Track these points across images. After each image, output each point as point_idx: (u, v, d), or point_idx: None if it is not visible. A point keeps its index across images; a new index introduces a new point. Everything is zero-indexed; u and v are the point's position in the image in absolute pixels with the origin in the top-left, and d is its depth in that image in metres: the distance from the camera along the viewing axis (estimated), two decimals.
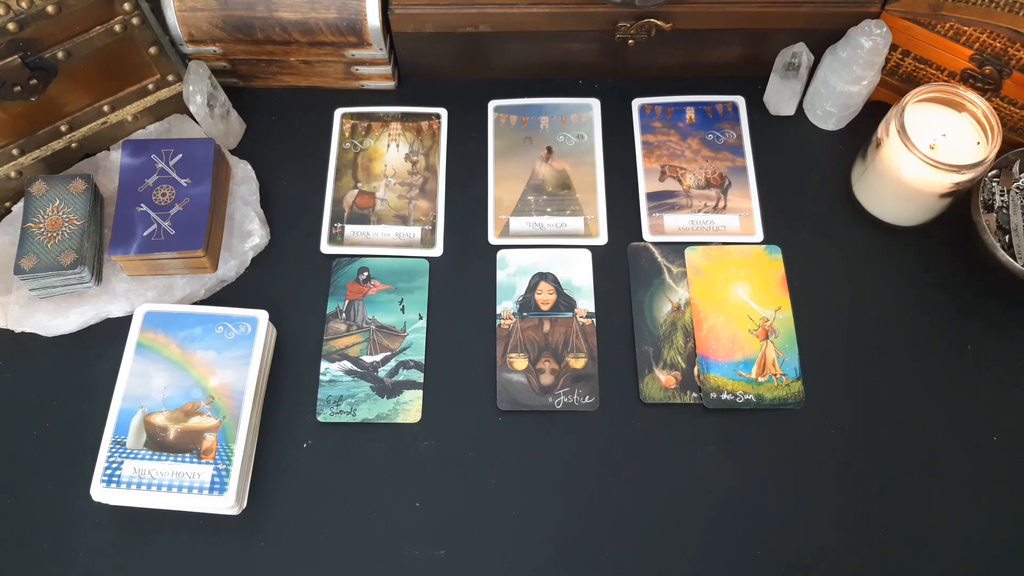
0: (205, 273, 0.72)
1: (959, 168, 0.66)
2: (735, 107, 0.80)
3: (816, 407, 0.68)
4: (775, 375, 0.68)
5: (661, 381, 0.69)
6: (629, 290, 0.73)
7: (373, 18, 0.73)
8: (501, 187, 0.77)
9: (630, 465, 0.66)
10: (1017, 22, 0.67)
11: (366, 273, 0.73)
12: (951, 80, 0.74)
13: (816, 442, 0.67)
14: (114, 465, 0.62)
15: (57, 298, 0.70)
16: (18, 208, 0.73)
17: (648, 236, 0.75)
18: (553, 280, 0.73)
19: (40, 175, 0.72)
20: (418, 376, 0.69)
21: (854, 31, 0.72)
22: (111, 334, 0.70)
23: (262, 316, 0.67)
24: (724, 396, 0.68)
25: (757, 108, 0.81)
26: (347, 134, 0.80)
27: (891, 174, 0.69)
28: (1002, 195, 0.71)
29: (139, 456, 0.62)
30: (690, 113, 0.80)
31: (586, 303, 0.72)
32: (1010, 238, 0.69)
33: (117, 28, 0.68)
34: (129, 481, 0.61)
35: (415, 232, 0.75)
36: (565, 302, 0.72)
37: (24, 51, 0.65)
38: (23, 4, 0.62)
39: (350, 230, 0.75)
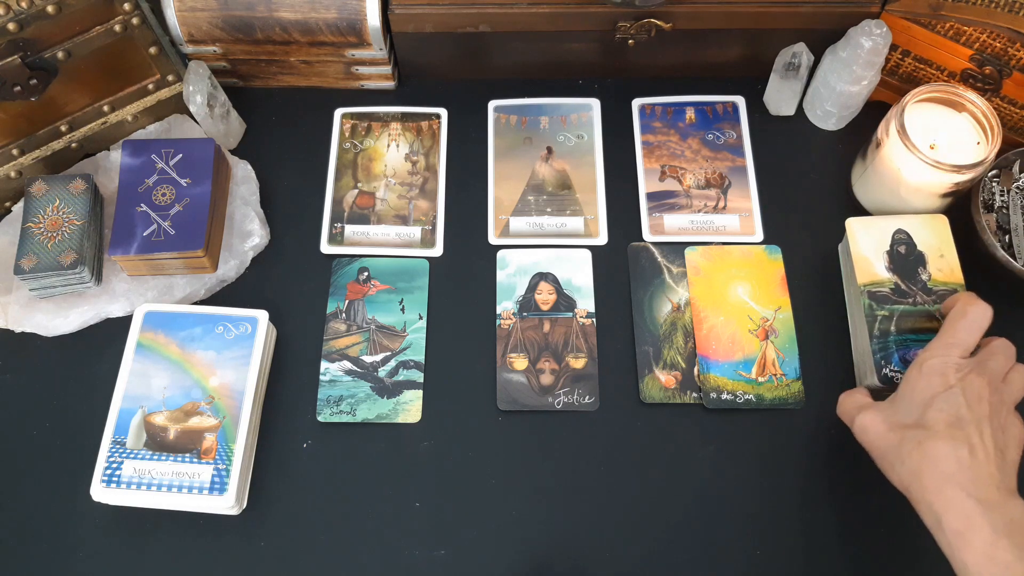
0: (205, 273, 0.72)
1: (959, 168, 0.66)
2: (735, 107, 0.80)
3: (816, 407, 0.68)
4: (775, 375, 0.69)
5: (661, 381, 0.69)
6: (629, 290, 0.73)
7: (373, 18, 0.73)
8: (501, 187, 0.77)
9: (630, 465, 0.66)
10: (1017, 22, 0.67)
11: (366, 273, 0.73)
12: (951, 80, 0.74)
13: (816, 442, 0.67)
14: (114, 465, 0.62)
15: (57, 298, 0.70)
16: (18, 208, 0.73)
17: (648, 236, 0.75)
18: (553, 280, 0.73)
19: (40, 175, 0.72)
20: (418, 376, 0.69)
21: (854, 31, 0.72)
22: (111, 334, 0.70)
23: (262, 316, 0.67)
24: (724, 396, 0.68)
25: (757, 108, 0.81)
26: (347, 134, 0.80)
27: (891, 174, 0.69)
28: (1002, 195, 0.71)
29: (139, 456, 0.62)
30: (690, 113, 0.80)
31: (586, 303, 0.72)
32: (1010, 238, 0.69)
33: (117, 28, 0.68)
34: (129, 481, 0.61)
35: (415, 232, 0.75)
36: (565, 302, 0.72)
37: (24, 51, 0.65)
38: (23, 4, 0.62)
39: (350, 230, 0.75)
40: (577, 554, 0.63)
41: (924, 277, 0.65)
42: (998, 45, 0.69)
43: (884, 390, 0.63)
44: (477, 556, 0.63)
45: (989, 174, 0.71)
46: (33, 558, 0.63)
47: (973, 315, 0.58)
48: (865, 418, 0.58)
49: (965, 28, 0.69)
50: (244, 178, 0.76)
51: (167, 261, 0.69)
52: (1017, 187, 0.71)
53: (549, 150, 0.79)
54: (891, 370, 0.63)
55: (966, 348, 0.57)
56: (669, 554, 0.63)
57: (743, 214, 0.75)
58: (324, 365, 0.69)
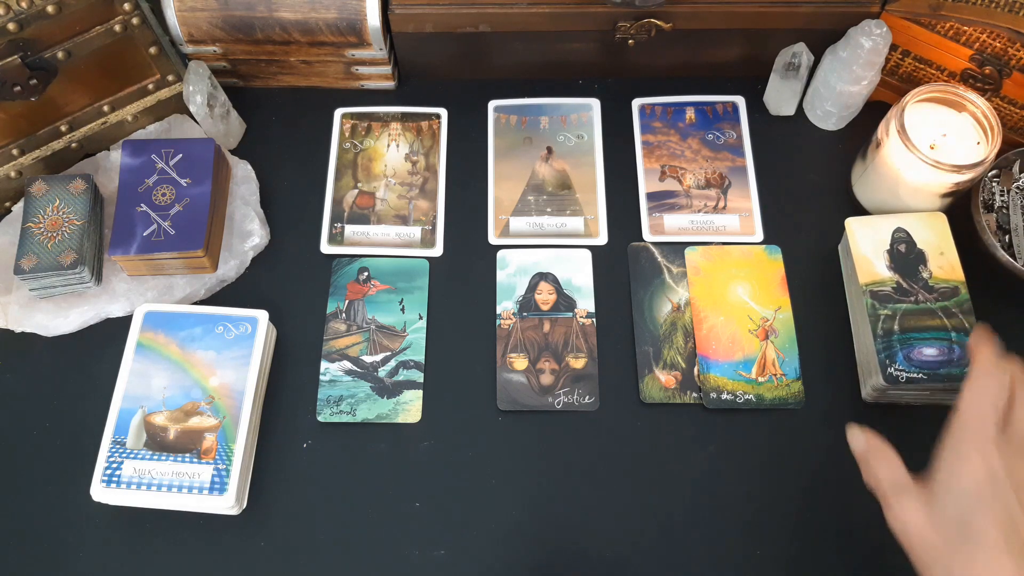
0: (205, 273, 0.72)
1: (959, 168, 0.66)
2: (735, 107, 0.80)
3: (816, 407, 0.68)
4: (775, 375, 0.68)
5: (661, 381, 0.69)
6: (629, 290, 0.73)
7: (373, 18, 0.73)
8: (501, 187, 0.77)
9: (630, 465, 0.66)
10: (1017, 22, 0.67)
11: (366, 273, 0.73)
12: (951, 80, 0.74)
13: (816, 442, 0.67)
14: (114, 465, 0.62)
15: (57, 298, 0.70)
16: (18, 208, 0.73)
17: (648, 236, 0.75)
18: (553, 280, 0.73)
19: (40, 175, 0.72)
20: (418, 376, 0.69)
21: (854, 31, 0.72)
22: (111, 334, 0.70)
23: (262, 316, 0.67)
24: (724, 396, 0.68)
25: (757, 108, 0.81)
26: (347, 134, 0.80)
27: (891, 174, 0.69)
28: (1002, 195, 0.71)
29: (139, 456, 0.62)
30: (690, 113, 0.80)
31: (586, 303, 0.72)
32: (1010, 238, 0.69)
33: (117, 28, 0.68)
34: (129, 481, 0.61)
35: (415, 232, 0.75)
36: (565, 302, 0.72)
37: (24, 51, 0.65)
38: (23, 4, 0.62)
39: (350, 230, 0.75)
40: (577, 554, 0.63)
41: (925, 275, 0.66)
42: (998, 45, 0.69)
43: (890, 389, 0.63)
44: (477, 556, 0.63)
45: (989, 174, 0.71)
46: (33, 558, 0.63)
47: (991, 387, 0.53)
48: (906, 512, 0.52)
49: (965, 28, 0.69)
50: (244, 178, 0.76)
51: (167, 261, 0.69)
52: (1017, 187, 0.71)
53: (549, 150, 0.79)
54: (896, 369, 0.63)
55: (997, 413, 0.52)
56: (669, 554, 0.63)
57: (743, 214, 0.75)
58: (324, 365, 0.69)
